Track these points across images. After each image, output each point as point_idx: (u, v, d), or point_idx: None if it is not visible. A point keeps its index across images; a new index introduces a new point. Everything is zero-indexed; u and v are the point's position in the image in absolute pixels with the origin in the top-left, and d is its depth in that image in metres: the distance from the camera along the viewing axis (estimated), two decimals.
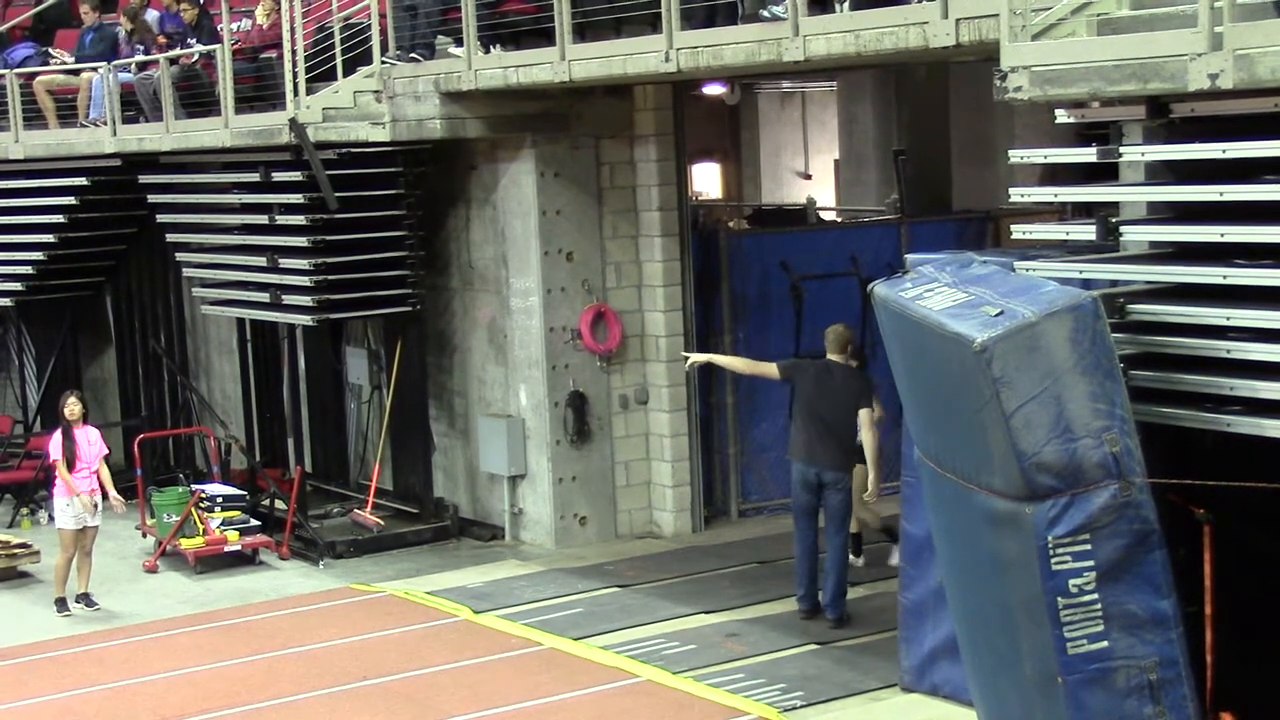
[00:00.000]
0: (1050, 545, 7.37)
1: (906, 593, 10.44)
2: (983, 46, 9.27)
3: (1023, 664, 7.75)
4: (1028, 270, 8.51)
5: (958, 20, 9.37)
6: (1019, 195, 9.07)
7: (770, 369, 12.34)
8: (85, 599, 13.70)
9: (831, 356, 12.08)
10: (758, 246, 16.06)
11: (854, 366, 12.17)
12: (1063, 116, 8.68)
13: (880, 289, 8.58)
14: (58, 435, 13.64)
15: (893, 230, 16.60)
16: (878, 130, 21.08)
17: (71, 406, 13.73)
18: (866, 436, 11.87)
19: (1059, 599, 7.40)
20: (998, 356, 7.29)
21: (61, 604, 13.61)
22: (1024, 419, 7.32)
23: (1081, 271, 8.41)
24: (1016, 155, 9.10)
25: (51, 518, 17.26)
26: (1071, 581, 7.38)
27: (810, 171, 26.80)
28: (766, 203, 25.20)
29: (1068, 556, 7.37)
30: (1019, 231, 9.33)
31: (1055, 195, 9.32)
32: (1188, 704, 7.52)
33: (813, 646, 11.63)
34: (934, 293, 8.09)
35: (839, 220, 20.77)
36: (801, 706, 10.45)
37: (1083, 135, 9.40)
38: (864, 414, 11.84)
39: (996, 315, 7.46)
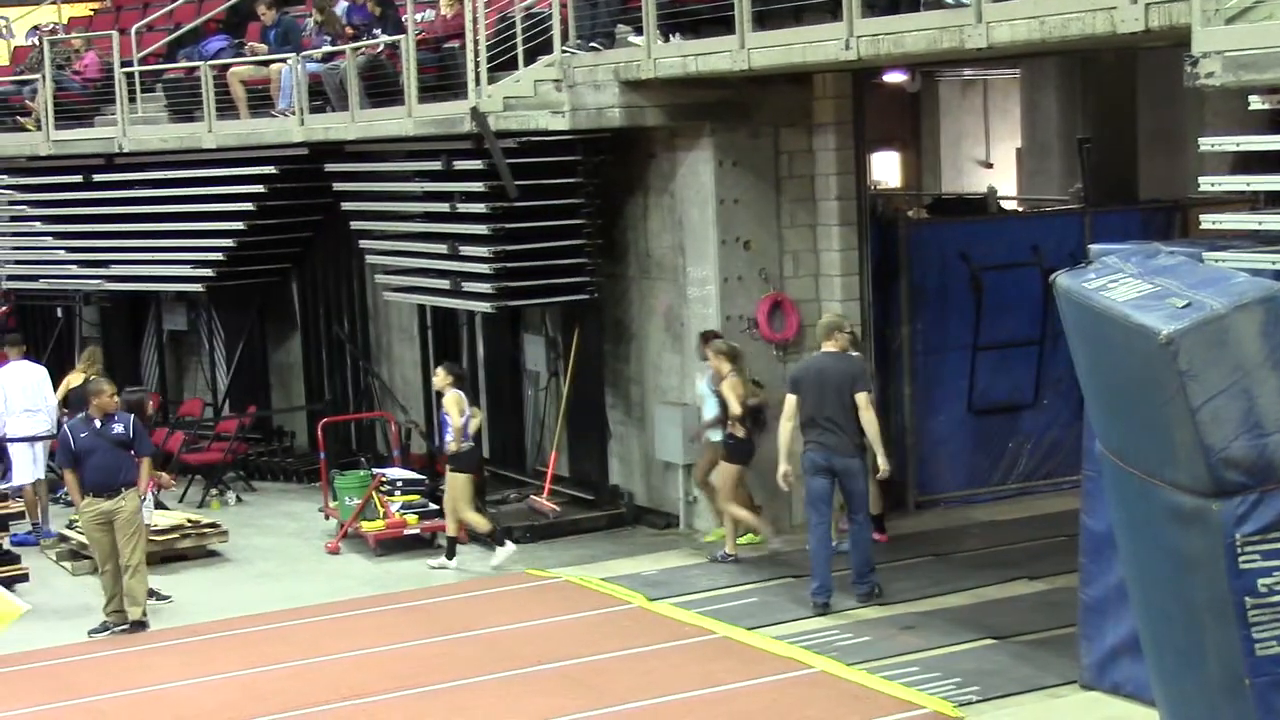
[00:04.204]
0: (1238, 543, 7.20)
1: (1087, 589, 10.26)
2: (1173, 31, 9.05)
3: (1208, 665, 7.58)
4: (1217, 261, 8.30)
5: (1147, 5, 9.15)
6: (1209, 184, 8.85)
7: (791, 403, 12.43)
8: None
9: (828, 345, 12.44)
10: (937, 236, 15.88)
11: (846, 352, 12.52)
12: (1256, 103, 8.45)
13: (1063, 280, 8.44)
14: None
15: (1076, 220, 16.30)
16: (1061, 118, 20.71)
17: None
18: (865, 418, 12.22)
19: (1247, 599, 7.23)
20: (1185, 349, 7.14)
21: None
22: (1211, 413, 7.16)
23: (1274, 263, 8.18)
24: (1207, 143, 8.88)
25: (239, 498, 17.83)
26: (1260, 581, 7.21)
27: (991, 160, 26.41)
28: (946, 192, 24.89)
29: (1256, 555, 7.20)
30: (1208, 221, 9.10)
31: (1248, 184, 9.06)
32: None
33: (989, 641, 11.48)
34: (1119, 284, 7.94)
35: (1020, 210, 20.45)
36: (977, 701, 10.32)
37: (1277, 122, 9.13)
38: (861, 397, 12.22)
39: (1184, 307, 7.31)
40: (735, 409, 13.55)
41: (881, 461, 12.36)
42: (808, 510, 12.56)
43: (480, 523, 14.46)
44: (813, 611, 12.37)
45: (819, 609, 12.38)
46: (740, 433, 13.67)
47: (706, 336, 14.30)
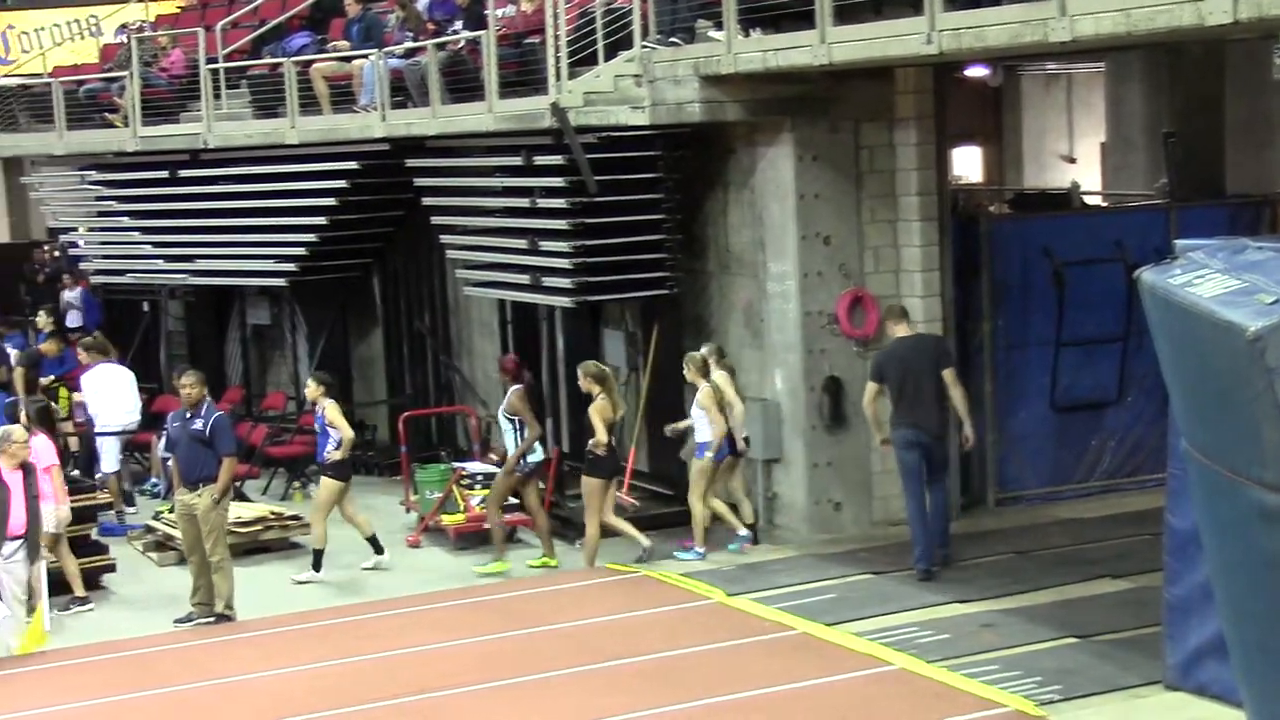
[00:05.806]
0: None
1: (1171, 588, 10.15)
2: (1262, 23, 8.93)
3: None
4: None
5: None
6: None
7: (871, 389, 13.24)
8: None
9: (899, 331, 13.25)
10: (1019, 231, 15.78)
11: (926, 333, 13.54)
12: None
13: (1148, 276, 8.36)
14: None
15: (1161, 215, 16.13)
16: (1147, 112, 20.49)
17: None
18: (954, 393, 13.08)
19: None
20: (1273, 345, 7.04)
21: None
22: None
23: None
24: None
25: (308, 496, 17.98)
26: None
27: (1075, 155, 26.20)
28: (1029, 187, 24.72)
29: None
30: None
31: None
32: None
33: (1071, 640, 11.39)
34: (1204, 279, 7.85)
35: (1104, 205, 20.27)
36: (1059, 700, 10.23)
37: None
38: (948, 374, 13.05)
39: (1272, 303, 7.21)
40: (602, 436, 13.86)
41: (968, 430, 13.23)
42: (904, 484, 13.24)
43: (365, 525, 14.64)
44: (917, 578, 12.87)
45: (922, 575, 12.91)
46: (602, 450, 13.96)
47: (508, 364, 14.92)
